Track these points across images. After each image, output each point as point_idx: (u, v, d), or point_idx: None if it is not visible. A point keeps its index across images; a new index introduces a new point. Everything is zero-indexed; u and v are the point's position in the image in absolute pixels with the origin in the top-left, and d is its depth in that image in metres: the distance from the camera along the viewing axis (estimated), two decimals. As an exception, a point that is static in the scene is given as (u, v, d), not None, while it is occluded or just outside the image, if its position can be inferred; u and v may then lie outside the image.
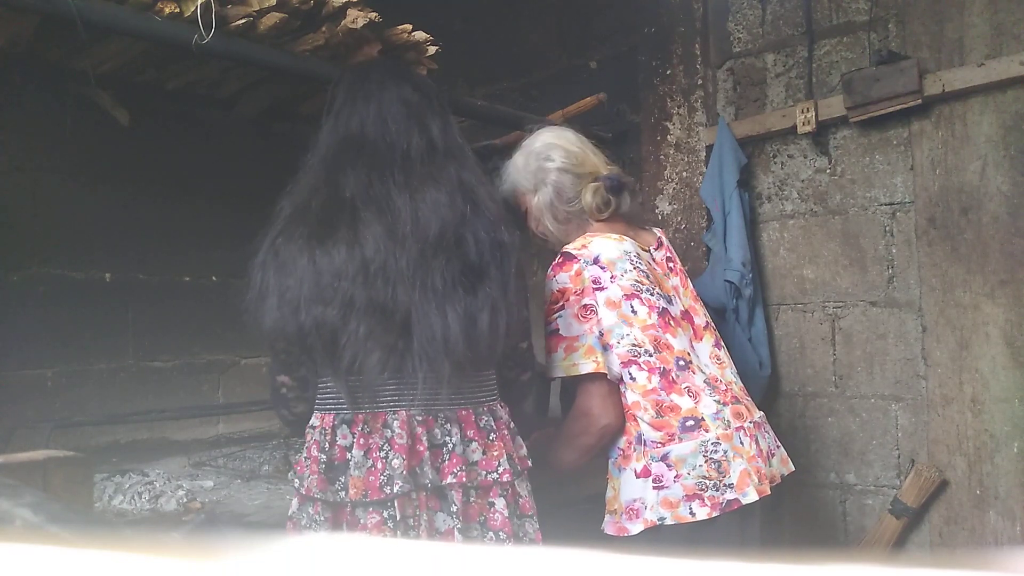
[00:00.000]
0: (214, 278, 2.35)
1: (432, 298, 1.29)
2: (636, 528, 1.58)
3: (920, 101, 2.20)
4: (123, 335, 2.17)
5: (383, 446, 1.30)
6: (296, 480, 1.35)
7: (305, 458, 1.35)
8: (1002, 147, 2.14)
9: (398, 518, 1.27)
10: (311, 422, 1.38)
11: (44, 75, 1.91)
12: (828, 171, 2.46)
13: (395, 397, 1.33)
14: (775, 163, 2.56)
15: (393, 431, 1.31)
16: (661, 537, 1.55)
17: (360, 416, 1.32)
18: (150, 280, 2.23)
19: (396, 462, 1.28)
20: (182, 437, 2.23)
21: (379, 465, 1.29)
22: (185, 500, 1.68)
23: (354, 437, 1.31)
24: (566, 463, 1.70)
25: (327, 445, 1.31)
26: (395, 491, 1.26)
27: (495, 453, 1.37)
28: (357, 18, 1.72)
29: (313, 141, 1.46)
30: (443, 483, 1.32)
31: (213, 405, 2.35)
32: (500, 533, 1.35)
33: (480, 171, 1.47)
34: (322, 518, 1.30)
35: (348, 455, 1.31)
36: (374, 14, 1.74)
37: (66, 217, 2.07)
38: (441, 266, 1.31)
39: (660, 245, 1.84)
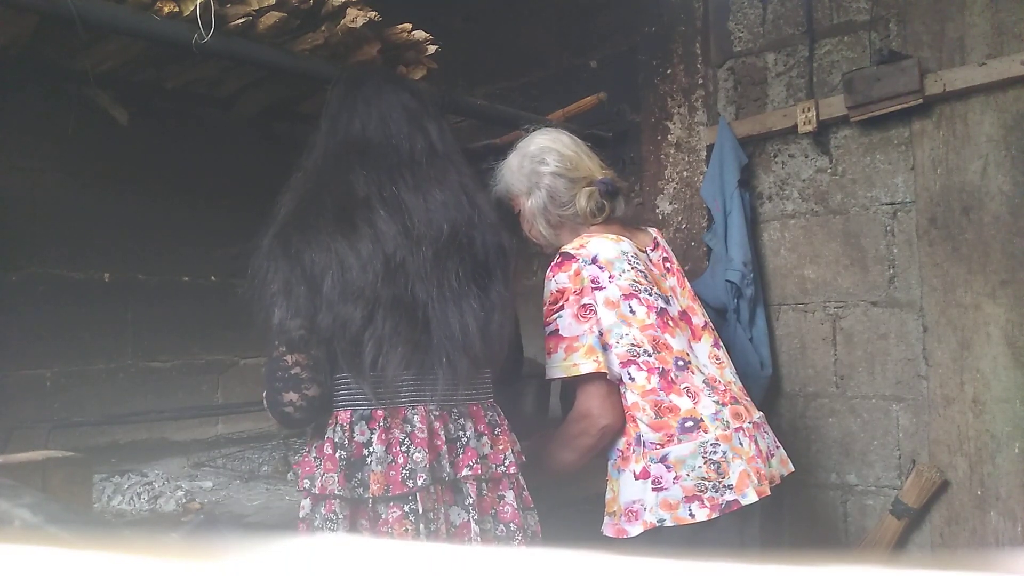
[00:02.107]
0: (213, 278, 2.35)
1: (450, 296, 1.33)
2: (635, 530, 1.58)
3: (921, 101, 2.19)
4: (122, 335, 2.17)
5: (403, 440, 1.32)
6: (306, 481, 1.33)
7: (315, 457, 1.34)
8: (1003, 147, 2.13)
9: (420, 512, 1.28)
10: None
11: (43, 75, 1.91)
12: (829, 171, 2.45)
13: (415, 392, 1.34)
14: (776, 163, 2.56)
15: (413, 426, 1.33)
16: (661, 539, 1.55)
17: (379, 412, 1.32)
18: (149, 280, 2.22)
19: (418, 456, 1.30)
20: (181, 437, 2.22)
21: (400, 460, 1.30)
22: (184, 501, 1.68)
23: (373, 433, 1.32)
24: (565, 465, 1.69)
25: (346, 442, 1.31)
26: (418, 484, 1.28)
27: (501, 447, 1.42)
28: (356, 17, 1.72)
29: (309, 142, 1.46)
30: (458, 476, 1.35)
31: (212, 405, 2.35)
32: (511, 525, 1.39)
33: (474, 175, 1.50)
34: (339, 516, 1.29)
35: (365, 451, 1.31)
36: (373, 13, 1.74)
37: (65, 217, 2.07)
38: (456, 265, 1.35)
39: (656, 246, 1.84)
